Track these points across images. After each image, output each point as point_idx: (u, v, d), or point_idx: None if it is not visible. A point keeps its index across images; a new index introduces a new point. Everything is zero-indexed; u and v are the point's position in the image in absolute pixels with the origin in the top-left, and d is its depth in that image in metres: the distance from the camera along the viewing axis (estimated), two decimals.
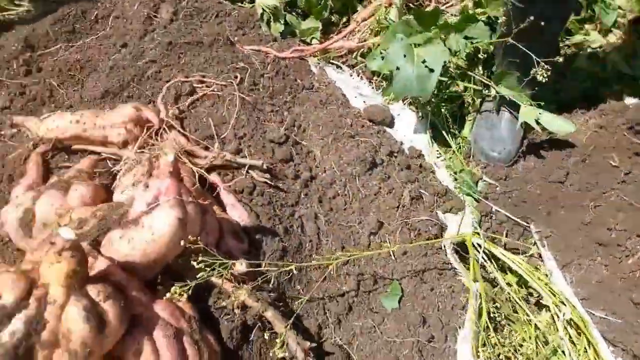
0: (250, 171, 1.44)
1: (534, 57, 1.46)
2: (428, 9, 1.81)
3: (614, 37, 1.87)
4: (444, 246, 1.42)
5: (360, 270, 1.36)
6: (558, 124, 1.53)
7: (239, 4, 2.01)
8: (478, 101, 1.75)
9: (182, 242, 0.95)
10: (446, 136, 1.71)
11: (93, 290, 0.82)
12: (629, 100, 1.65)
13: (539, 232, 1.46)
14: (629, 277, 1.27)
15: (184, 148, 1.37)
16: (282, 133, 1.55)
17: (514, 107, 1.64)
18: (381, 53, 1.72)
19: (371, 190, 1.49)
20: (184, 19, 1.88)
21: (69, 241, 0.80)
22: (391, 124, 1.76)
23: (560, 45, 1.87)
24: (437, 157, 1.68)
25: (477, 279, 1.31)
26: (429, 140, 1.69)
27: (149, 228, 0.94)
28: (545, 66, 1.49)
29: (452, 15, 1.78)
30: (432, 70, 1.52)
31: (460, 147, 1.74)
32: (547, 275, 1.38)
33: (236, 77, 1.65)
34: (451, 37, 1.63)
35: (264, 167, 1.41)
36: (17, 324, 0.74)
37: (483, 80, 1.66)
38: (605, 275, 1.30)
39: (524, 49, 1.46)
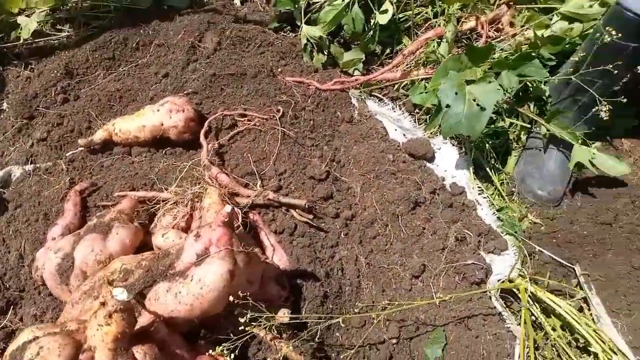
0: (290, 210, 1.41)
1: (597, 95, 1.41)
2: (477, 44, 1.75)
3: None
4: (490, 291, 1.35)
5: (402, 315, 1.31)
6: (611, 165, 1.46)
7: (282, 33, 1.99)
8: (524, 137, 1.68)
9: (229, 297, 0.92)
10: (489, 172, 1.64)
11: (140, 352, 0.80)
12: None
13: (586, 274, 1.38)
14: None
15: (227, 188, 1.35)
16: (323, 169, 1.51)
17: (564, 145, 1.58)
18: (425, 88, 1.68)
19: (415, 230, 1.44)
20: (227, 49, 1.87)
21: (121, 302, 0.78)
22: (432, 159, 1.70)
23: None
24: (479, 194, 1.61)
25: (528, 328, 1.25)
26: (471, 176, 1.63)
27: (198, 282, 0.92)
28: (608, 105, 1.43)
29: (501, 50, 1.72)
30: (483, 109, 1.46)
31: (503, 184, 1.67)
32: (594, 321, 1.31)
33: (278, 110, 1.63)
34: (504, 75, 1.56)
35: (307, 206, 1.38)
36: None
37: (534, 118, 1.59)
38: None
39: (587, 86, 1.41)
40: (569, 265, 1.45)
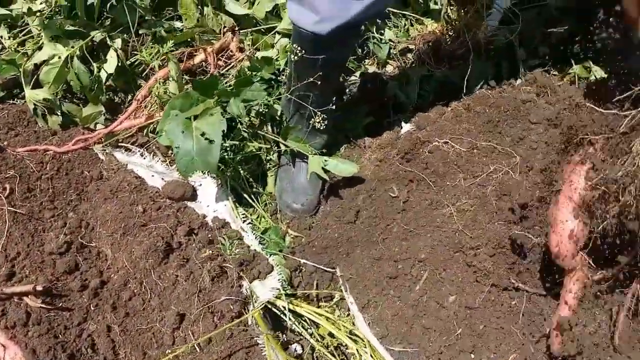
0: (24, 298, 1.29)
1: (312, 107, 1.49)
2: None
3: (391, 68, 1.97)
4: (250, 321, 1.36)
5: None
6: (343, 168, 1.56)
7: (10, 101, 1.83)
8: (274, 156, 1.73)
9: None
10: (248, 198, 1.67)
11: None
12: (404, 128, 1.73)
13: (342, 275, 1.46)
14: (417, 303, 1.31)
15: None
16: (62, 241, 1.40)
17: (308, 157, 1.66)
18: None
19: (169, 280, 1.40)
20: None
21: None
22: (194, 197, 1.68)
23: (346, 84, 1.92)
24: (244, 222, 1.63)
25: (278, 350, 1.27)
26: (232, 206, 1.64)
27: None
28: (322, 115, 1.52)
29: (233, 77, 1.76)
30: (212, 142, 1.48)
31: (267, 205, 1.71)
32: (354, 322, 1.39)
33: (5, 189, 1.48)
34: (231, 103, 1.60)
35: (40, 289, 1.26)
36: None
37: (272, 137, 1.65)
38: (399, 308, 1.32)
39: (303, 100, 1.49)
40: (331, 270, 1.52)
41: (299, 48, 1.39)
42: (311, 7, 1.28)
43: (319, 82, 1.45)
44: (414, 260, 1.36)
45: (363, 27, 1.81)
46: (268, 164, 1.72)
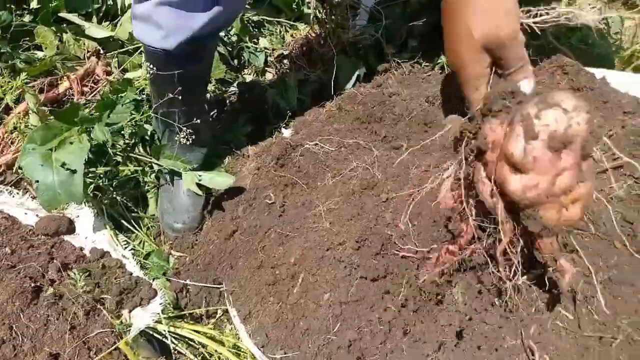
0: None
1: (179, 122, 1.47)
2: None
3: (269, 75, 1.98)
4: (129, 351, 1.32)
5: None
6: (218, 181, 1.55)
7: None
8: (153, 177, 1.70)
9: None
10: (128, 224, 1.62)
11: None
12: (285, 134, 1.74)
13: (226, 290, 1.45)
14: (295, 307, 1.32)
15: None
16: None
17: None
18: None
19: (41, 321, 1.34)
20: None
21: None
22: (71, 230, 1.62)
23: (226, 96, 1.92)
24: (125, 248, 1.58)
25: None
26: (111, 234, 1.59)
27: None
28: (188, 130, 1.51)
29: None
30: (74, 172, 1.43)
31: (149, 229, 1.67)
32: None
33: None
34: (96, 128, 1.55)
35: None
36: None
37: (144, 158, 1.62)
38: (279, 314, 1.32)
39: (170, 117, 1.47)
40: (216, 286, 1.50)
41: (151, 66, 1.38)
42: (155, 24, 1.27)
43: (181, 97, 1.44)
44: (290, 264, 1.37)
45: (222, 36, 1.82)
46: (147, 185, 1.68)
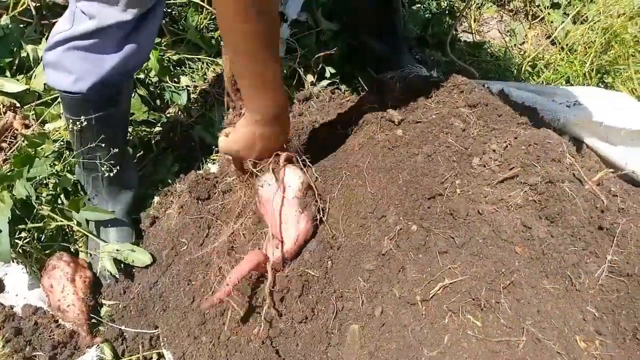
0: None
1: (102, 169, 1.49)
2: None
3: (194, 112, 2.00)
4: None
5: None
6: (136, 257, 1.54)
7: None
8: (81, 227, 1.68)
9: None
10: None
11: None
12: (212, 169, 1.77)
13: (161, 333, 1.45)
14: (227, 344, 1.33)
15: None
16: None
17: (112, 223, 1.62)
18: None
19: None
20: None
21: None
22: (1, 288, 1.59)
23: (151, 136, 1.92)
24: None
25: None
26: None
27: None
28: (111, 169, 1.50)
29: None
30: None
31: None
32: None
33: None
34: (17, 185, 1.53)
35: None
36: None
37: (64, 209, 1.60)
38: (212, 353, 1.34)
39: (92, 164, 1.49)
40: (151, 331, 1.50)
41: (68, 113, 1.39)
42: (66, 69, 1.29)
43: (101, 143, 1.45)
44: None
45: (141, 78, 1.84)
46: (75, 236, 1.67)
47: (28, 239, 1.60)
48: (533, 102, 1.60)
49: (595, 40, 2.13)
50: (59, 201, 1.64)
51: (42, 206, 1.61)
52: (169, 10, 2.09)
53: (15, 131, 1.73)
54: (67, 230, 1.67)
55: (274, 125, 1.25)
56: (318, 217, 1.38)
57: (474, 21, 2.37)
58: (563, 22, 2.33)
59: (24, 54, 1.79)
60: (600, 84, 2.10)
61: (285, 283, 1.32)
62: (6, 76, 1.76)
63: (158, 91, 1.97)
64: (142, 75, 1.92)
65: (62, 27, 1.28)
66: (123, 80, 1.42)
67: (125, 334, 1.51)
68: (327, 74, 1.99)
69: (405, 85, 1.61)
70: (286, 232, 1.34)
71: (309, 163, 1.43)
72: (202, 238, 1.52)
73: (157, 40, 1.98)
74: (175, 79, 1.97)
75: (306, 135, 1.68)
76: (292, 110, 1.87)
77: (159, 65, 1.88)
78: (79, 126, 1.41)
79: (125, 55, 1.31)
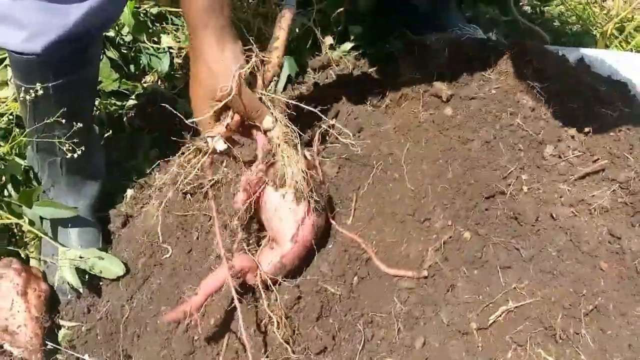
0: None
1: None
2: None
3: (180, 82, 1.99)
4: None
5: None
6: (105, 267, 1.53)
7: None
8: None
9: None
10: None
11: None
12: (218, 147, 1.77)
13: None
14: None
15: None
16: None
17: (73, 223, 1.61)
18: None
19: None
20: None
21: None
22: None
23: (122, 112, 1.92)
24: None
25: None
26: None
27: None
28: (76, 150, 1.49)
29: None
30: None
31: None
32: None
33: None
34: None
35: None
36: None
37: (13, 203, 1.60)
38: None
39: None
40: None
41: (19, 79, 1.38)
42: (17, 22, 1.25)
43: (63, 120, 1.43)
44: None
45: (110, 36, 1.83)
46: (25, 237, 1.67)
47: None
48: (622, 75, 1.58)
49: None
50: (5, 193, 1.63)
51: None
52: None
53: None
54: (16, 230, 1.66)
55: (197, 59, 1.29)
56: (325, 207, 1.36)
57: None
58: None
59: None
60: None
61: (298, 301, 1.31)
62: None
63: (132, 54, 1.96)
64: (112, 33, 1.91)
65: None
66: (90, 38, 1.41)
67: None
68: (351, 36, 1.98)
69: (455, 51, 1.60)
70: (280, 229, 1.32)
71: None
72: (191, 243, 1.51)
73: None
74: (155, 39, 1.96)
75: (323, 114, 1.66)
76: (305, 81, 1.86)
77: (134, 20, 1.87)
78: (33, 96, 1.39)
79: (95, 4, 1.29)
